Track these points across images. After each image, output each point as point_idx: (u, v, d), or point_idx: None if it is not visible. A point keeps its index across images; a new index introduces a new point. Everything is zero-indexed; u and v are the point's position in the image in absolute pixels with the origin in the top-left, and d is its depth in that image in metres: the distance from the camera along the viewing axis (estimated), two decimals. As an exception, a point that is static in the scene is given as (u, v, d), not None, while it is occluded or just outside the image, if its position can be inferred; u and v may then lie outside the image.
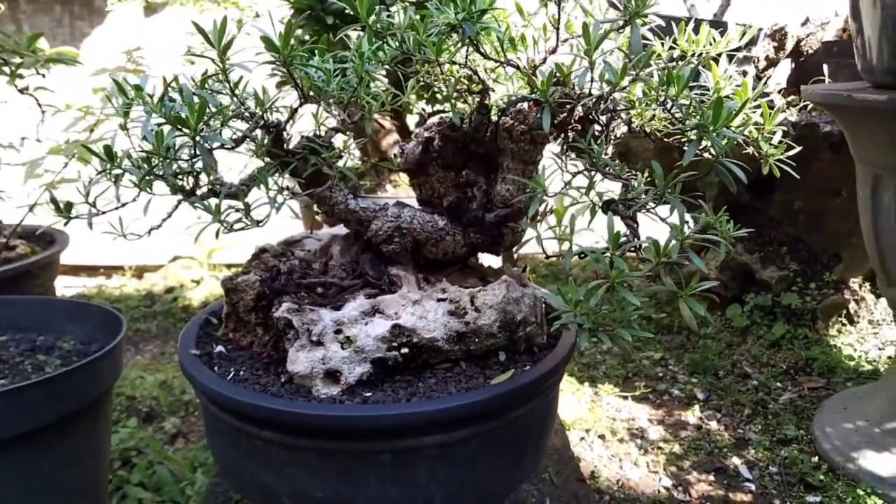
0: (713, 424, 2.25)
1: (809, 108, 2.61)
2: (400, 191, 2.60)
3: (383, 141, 2.98)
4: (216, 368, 1.21)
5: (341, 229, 1.46)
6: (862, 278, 2.81)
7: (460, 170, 1.31)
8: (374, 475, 1.11)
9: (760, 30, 2.99)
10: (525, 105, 1.20)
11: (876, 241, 1.88)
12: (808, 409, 2.28)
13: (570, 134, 1.21)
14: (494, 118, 1.25)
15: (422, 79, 1.24)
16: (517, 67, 1.14)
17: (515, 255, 1.36)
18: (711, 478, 1.98)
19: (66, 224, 1.33)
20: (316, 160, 1.21)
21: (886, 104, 1.64)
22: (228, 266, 3.91)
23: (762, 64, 2.83)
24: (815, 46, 2.80)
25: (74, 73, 1.98)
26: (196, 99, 1.00)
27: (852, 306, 2.71)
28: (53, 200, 1.29)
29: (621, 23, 1.00)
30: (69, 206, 1.29)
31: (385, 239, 1.25)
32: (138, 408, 2.62)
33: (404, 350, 1.16)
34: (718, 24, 3.30)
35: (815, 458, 2.01)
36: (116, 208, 1.33)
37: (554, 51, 1.14)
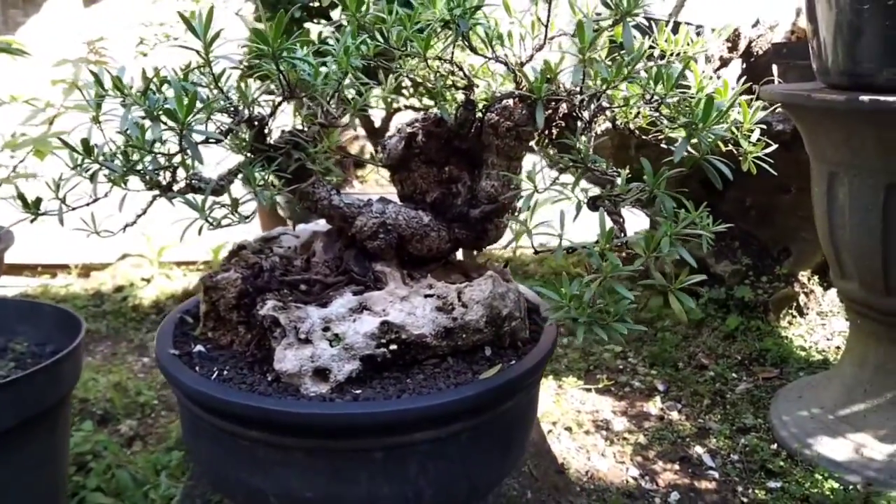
0: (674, 415, 2.31)
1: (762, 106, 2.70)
2: (367, 187, 2.58)
3: (342, 137, 2.96)
4: (198, 368, 1.18)
5: (317, 226, 1.44)
6: (810, 272, 2.92)
7: (443, 166, 1.31)
8: (366, 473, 1.11)
9: (713, 30, 3.07)
10: (510, 101, 1.20)
11: (830, 236, 1.96)
12: (764, 399, 2.36)
13: (554, 131, 1.22)
14: (479, 114, 1.25)
15: (403, 74, 1.23)
16: (505, 64, 1.15)
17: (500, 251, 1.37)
18: (676, 467, 2.03)
19: (32, 221, 1.28)
20: (300, 155, 1.19)
21: (843, 104, 1.71)
22: (179, 264, 3.82)
23: (716, 63, 2.91)
24: (766, 47, 2.89)
25: (18, 64, 1.89)
26: (184, 92, 0.97)
27: (802, 299, 2.82)
28: (21, 196, 1.24)
29: (611, 21, 1.01)
30: (38, 201, 1.24)
31: (370, 235, 1.24)
32: (92, 410, 2.53)
33: (393, 346, 1.15)
34: (676, 24, 3.37)
35: (774, 446, 2.08)
36: (88, 204, 1.28)
37: (541, 48, 1.15)
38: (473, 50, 1.10)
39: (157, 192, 1.23)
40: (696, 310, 2.88)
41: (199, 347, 1.25)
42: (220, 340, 1.27)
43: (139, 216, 1.30)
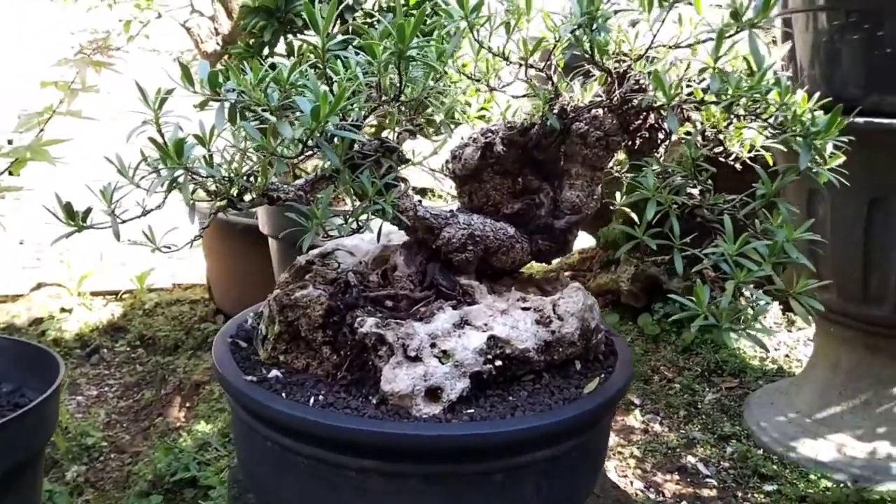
0: (657, 427, 2.36)
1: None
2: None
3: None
4: (285, 395, 1.07)
5: (362, 241, 1.37)
6: (753, 286, 3.10)
7: (517, 176, 1.28)
8: (484, 496, 1.05)
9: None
10: (599, 111, 1.20)
11: (808, 251, 2.09)
12: (733, 407, 2.46)
13: (638, 141, 1.23)
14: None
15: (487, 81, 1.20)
16: (608, 72, 1.14)
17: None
18: (676, 477, 2.07)
19: (69, 236, 1.13)
20: (390, 163, 1.12)
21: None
22: (98, 293, 3.51)
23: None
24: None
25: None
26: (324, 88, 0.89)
27: (749, 312, 2.97)
28: (68, 207, 1.08)
29: (734, 30, 1.03)
30: (87, 212, 1.10)
31: (458, 247, 1.18)
32: (35, 456, 2.25)
33: (498, 362, 1.10)
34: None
35: (760, 451, 2.17)
36: (140, 216, 1.15)
37: (640, 57, 1.15)
38: (590, 58, 1.08)
39: (222, 202, 1.13)
40: (653, 325, 2.98)
41: (275, 372, 1.13)
42: (294, 364, 1.16)
43: (204, 228, 1.18)
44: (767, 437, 2.19)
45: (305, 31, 1.99)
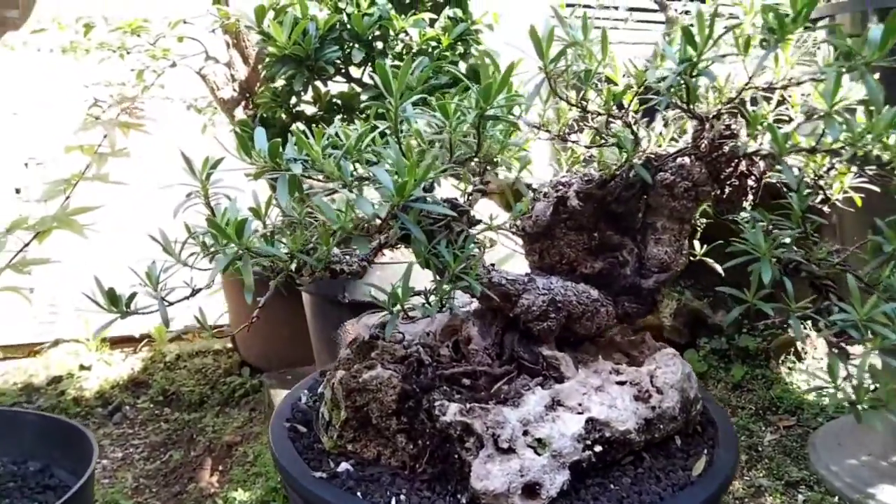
0: (718, 475, 2.22)
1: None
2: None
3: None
4: (362, 495, 0.95)
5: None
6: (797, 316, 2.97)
7: (592, 231, 1.17)
8: None
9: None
10: (686, 159, 1.09)
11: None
12: (795, 449, 2.32)
13: (727, 189, 1.12)
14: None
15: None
16: (701, 118, 1.03)
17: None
18: (752, 531, 1.93)
19: (111, 324, 1.02)
20: (462, 227, 1.01)
21: None
22: (117, 341, 3.37)
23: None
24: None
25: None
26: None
27: (799, 344, 2.85)
28: (111, 293, 0.97)
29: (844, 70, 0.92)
30: (131, 298, 0.99)
31: (538, 315, 1.07)
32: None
33: (597, 448, 0.98)
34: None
35: (836, 499, 2.03)
36: (188, 297, 1.04)
37: (731, 101, 1.04)
38: (685, 106, 0.98)
39: (280, 278, 1.01)
40: (699, 362, 2.85)
41: (345, 466, 1.01)
42: (364, 453, 1.04)
43: (260, 307, 1.06)
44: (840, 483, 2.05)
45: (335, 80, 1.90)
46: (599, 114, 1.05)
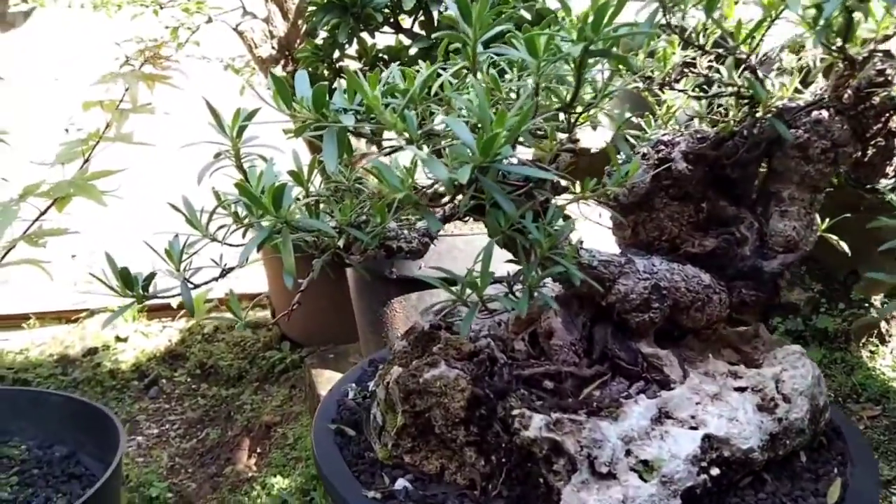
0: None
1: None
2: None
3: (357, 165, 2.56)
4: (425, 522, 0.78)
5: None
6: (883, 295, 2.72)
7: (699, 201, 0.97)
8: None
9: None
10: (825, 113, 0.88)
11: None
12: (883, 442, 2.10)
13: (869, 151, 0.90)
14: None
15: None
16: (851, 60, 0.82)
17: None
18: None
19: (125, 310, 0.86)
20: (546, 195, 0.82)
21: None
22: (153, 311, 3.26)
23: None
24: None
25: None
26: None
27: (883, 325, 2.60)
28: (124, 273, 0.81)
29: None
30: (149, 279, 0.82)
31: (639, 305, 0.87)
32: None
33: (714, 470, 0.79)
34: None
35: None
36: (217, 279, 0.88)
37: (887, 38, 0.83)
38: (838, 47, 0.76)
39: (327, 257, 0.84)
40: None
41: (402, 482, 0.84)
42: (424, 466, 0.87)
43: (304, 286, 0.89)
44: (942, 485, 1.83)
45: (382, 31, 1.70)
46: (720, 55, 0.84)
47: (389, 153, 0.68)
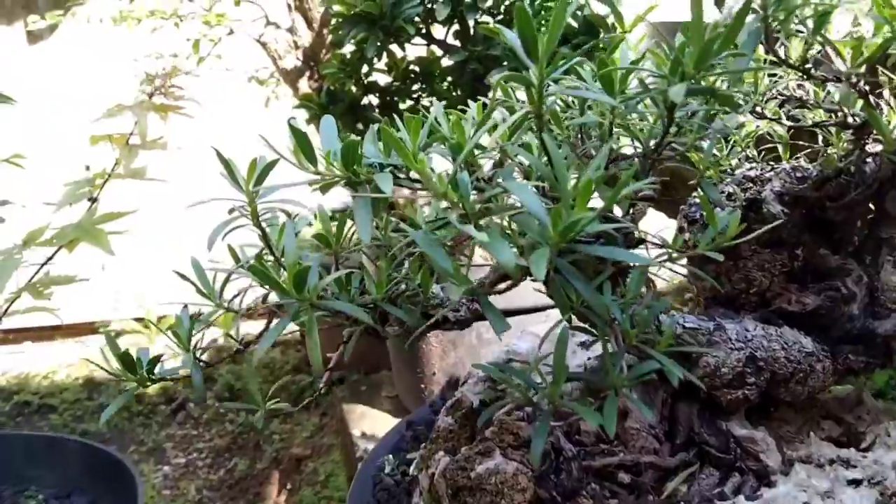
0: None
1: None
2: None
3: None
4: None
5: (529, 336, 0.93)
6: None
7: (793, 248, 0.82)
8: None
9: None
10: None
11: None
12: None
13: None
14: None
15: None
16: None
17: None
18: None
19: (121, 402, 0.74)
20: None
21: None
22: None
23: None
24: None
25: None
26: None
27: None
28: (126, 358, 0.69)
29: None
30: (155, 361, 0.71)
31: (732, 380, 0.73)
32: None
33: (832, 591, 0.65)
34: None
35: None
36: (236, 352, 0.76)
37: None
38: None
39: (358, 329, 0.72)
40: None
41: None
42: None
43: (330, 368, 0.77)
44: None
45: (413, 42, 1.57)
46: (830, 79, 0.69)
47: (437, 228, 0.55)
